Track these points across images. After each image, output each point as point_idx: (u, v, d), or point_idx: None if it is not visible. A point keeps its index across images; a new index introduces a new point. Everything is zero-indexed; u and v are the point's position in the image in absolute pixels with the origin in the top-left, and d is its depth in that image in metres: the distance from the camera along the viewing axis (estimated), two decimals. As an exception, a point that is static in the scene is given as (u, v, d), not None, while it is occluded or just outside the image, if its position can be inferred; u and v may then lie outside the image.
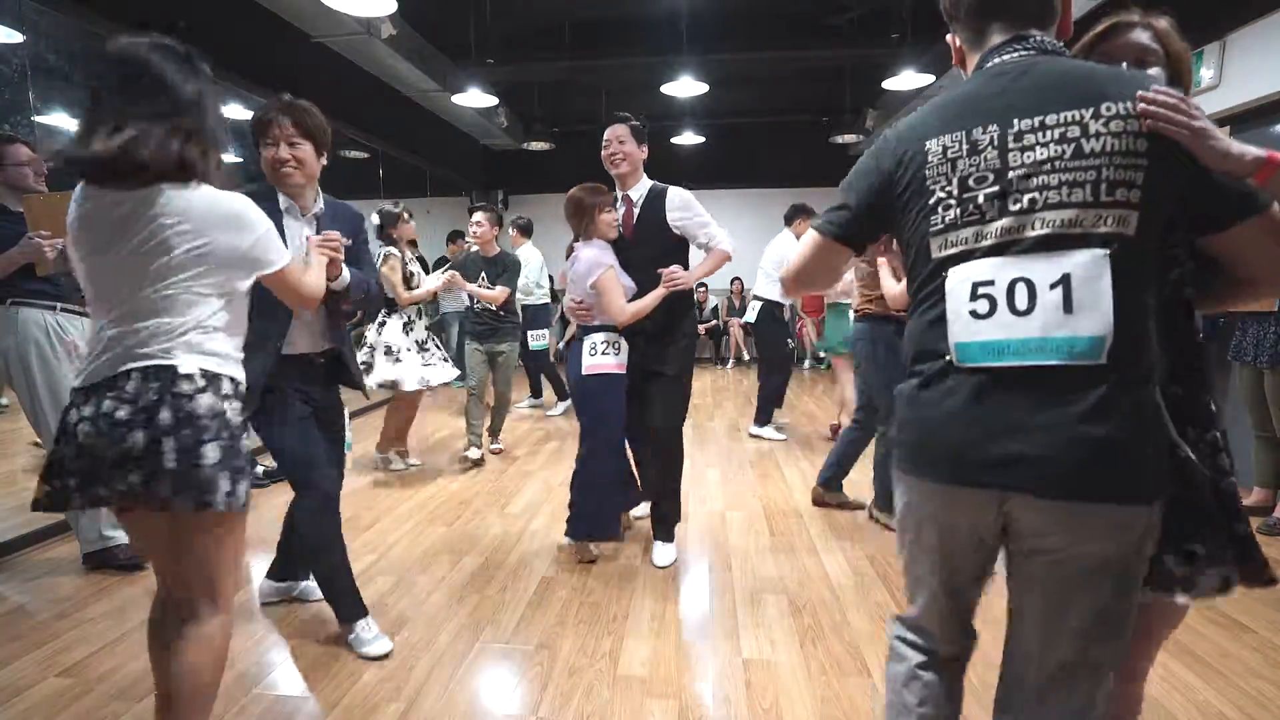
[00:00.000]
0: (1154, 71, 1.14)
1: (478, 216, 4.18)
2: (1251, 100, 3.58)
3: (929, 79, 5.59)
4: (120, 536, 2.72)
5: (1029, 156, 0.95)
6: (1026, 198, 0.95)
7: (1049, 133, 0.94)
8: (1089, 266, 0.91)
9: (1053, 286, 0.92)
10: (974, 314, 0.97)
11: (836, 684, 1.95)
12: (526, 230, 5.71)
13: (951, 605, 1.14)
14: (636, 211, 2.73)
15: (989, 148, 0.98)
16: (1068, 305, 0.91)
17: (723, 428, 5.42)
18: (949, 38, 1.14)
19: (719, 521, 3.27)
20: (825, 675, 2.00)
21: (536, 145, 8.24)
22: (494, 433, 4.57)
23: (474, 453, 4.26)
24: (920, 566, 1.13)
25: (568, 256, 2.76)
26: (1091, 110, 0.92)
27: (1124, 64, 1.14)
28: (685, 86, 5.91)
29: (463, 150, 8.42)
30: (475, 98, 6.00)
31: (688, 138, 8.15)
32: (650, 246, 2.67)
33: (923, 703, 1.15)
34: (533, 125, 8.10)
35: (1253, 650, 2.13)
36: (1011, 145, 0.96)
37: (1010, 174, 0.96)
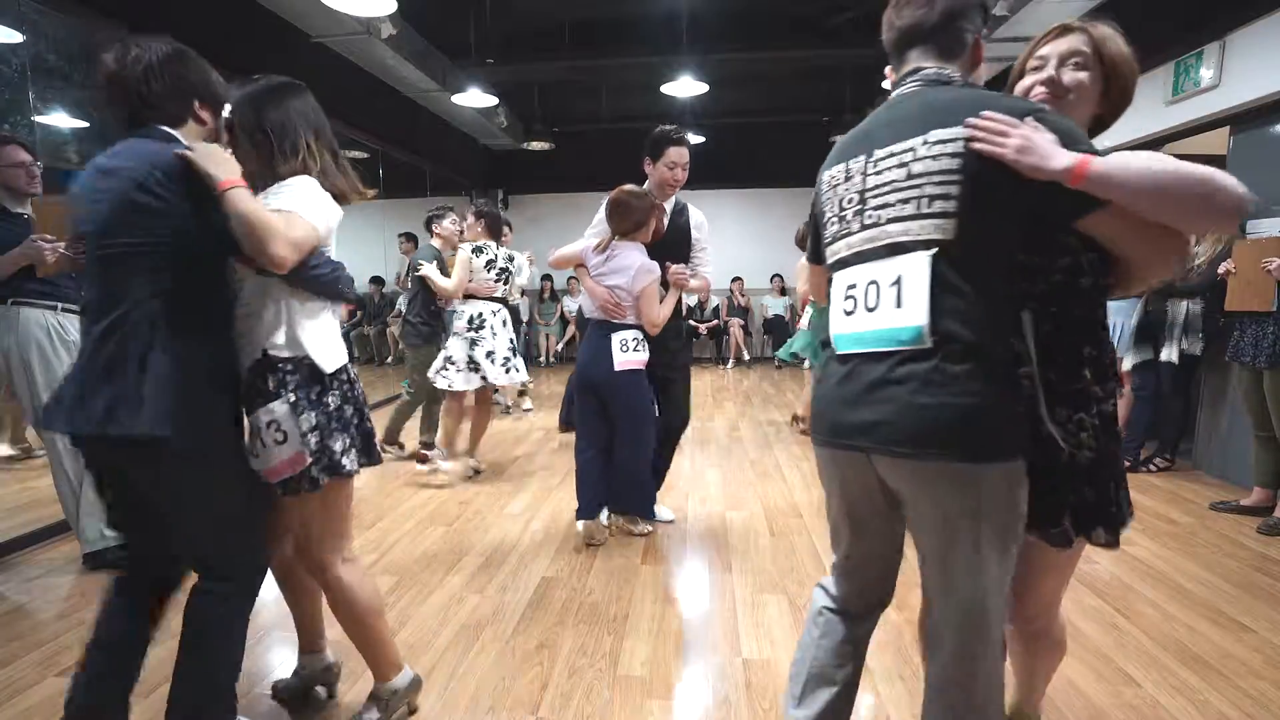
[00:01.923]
0: (1039, 95, 1.23)
1: (464, 217, 4.20)
2: (1251, 100, 3.58)
3: (929, 79, 5.59)
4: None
5: (880, 179, 1.14)
6: (876, 214, 1.13)
7: (893, 159, 1.12)
8: (915, 268, 1.07)
9: (891, 286, 1.10)
10: (845, 312, 1.19)
11: (836, 684, 1.95)
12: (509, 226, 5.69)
13: (860, 557, 1.33)
14: (665, 220, 2.92)
15: (857, 174, 1.18)
16: (899, 301, 1.09)
17: (723, 428, 5.42)
18: (887, 70, 1.30)
19: (719, 521, 3.27)
20: (825, 675, 2.00)
21: (536, 145, 8.24)
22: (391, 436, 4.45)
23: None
24: (833, 516, 1.34)
25: (600, 251, 2.84)
26: (921, 138, 1.09)
27: (1051, 71, 1.23)
28: (685, 86, 5.91)
29: (463, 150, 8.42)
30: (475, 98, 6.00)
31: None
32: (670, 255, 2.87)
33: (824, 635, 1.36)
34: (533, 125, 8.10)
35: (1253, 650, 2.13)
36: (870, 171, 1.16)
37: (867, 195, 1.15)
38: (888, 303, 1.10)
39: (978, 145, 1.02)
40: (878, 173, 1.14)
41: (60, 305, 2.62)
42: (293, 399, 1.45)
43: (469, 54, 5.96)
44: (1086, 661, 2.07)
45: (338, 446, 1.49)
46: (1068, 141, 1.02)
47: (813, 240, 1.39)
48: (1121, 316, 4.40)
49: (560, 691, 1.92)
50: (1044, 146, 1.00)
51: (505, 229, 5.65)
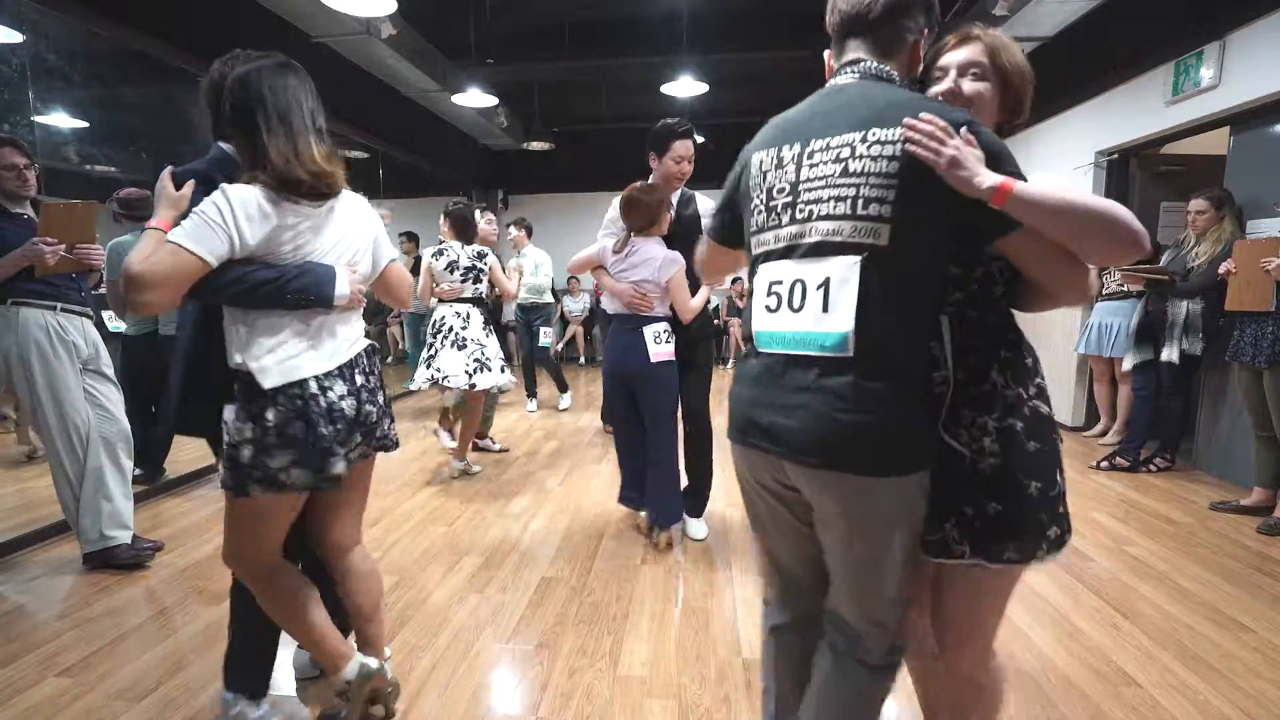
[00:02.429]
0: (962, 103, 1.19)
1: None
2: (1251, 100, 3.58)
3: (929, 79, 5.58)
4: (121, 536, 2.73)
5: (814, 172, 1.10)
6: (806, 209, 1.10)
7: (830, 153, 1.08)
8: (843, 272, 1.04)
9: (818, 288, 1.07)
10: (768, 308, 1.14)
11: (836, 684, 1.95)
12: (530, 231, 5.84)
13: (780, 557, 1.31)
14: (673, 213, 2.93)
15: (790, 163, 1.14)
16: (825, 305, 1.06)
17: (722, 427, 5.40)
18: (826, 54, 1.25)
19: (719, 521, 3.27)
20: (825, 675, 2.00)
21: (536, 145, 8.23)
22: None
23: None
24: (751, 513, 1.34)
25: (618, 250, 2.88)
26: (861, 135, 1.06)
27: (950, 83, 1.20)
28: (685, 86, 5.90)
29: (463, 150, 8.41)
30: (475, 98, 6.00)
31: (688, 137, 8.13)
32: (683, 246, 2.86)
33: (778, 657, 1.36)
34: (533, 125, 8.09)
35: (1253, 650, 2.13)
36: (804, 162, 1.11)
37: (800, 187, 1.11)
38: (813, 305, 1.07)
39: (912, 148, 1.01)
40: (812, 165, 1.10)
41: (60, 306, 2.62)
42: (235, 408, 1.46)
43: (469, 54, 5.95)
44: (1086, 661, 2.07)
45: (274, 463, 1.45)
46: (995, 160, 1.02)
47: (730, 222, 1.32)
48: (1122, 316, 4.41)
49: (560, 691, 1.92)
50: (973, 162, 1.00)
51: (522, 231, 5.71)
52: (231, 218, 1.38)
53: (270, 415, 1.44)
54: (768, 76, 7.63)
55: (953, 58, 1.22)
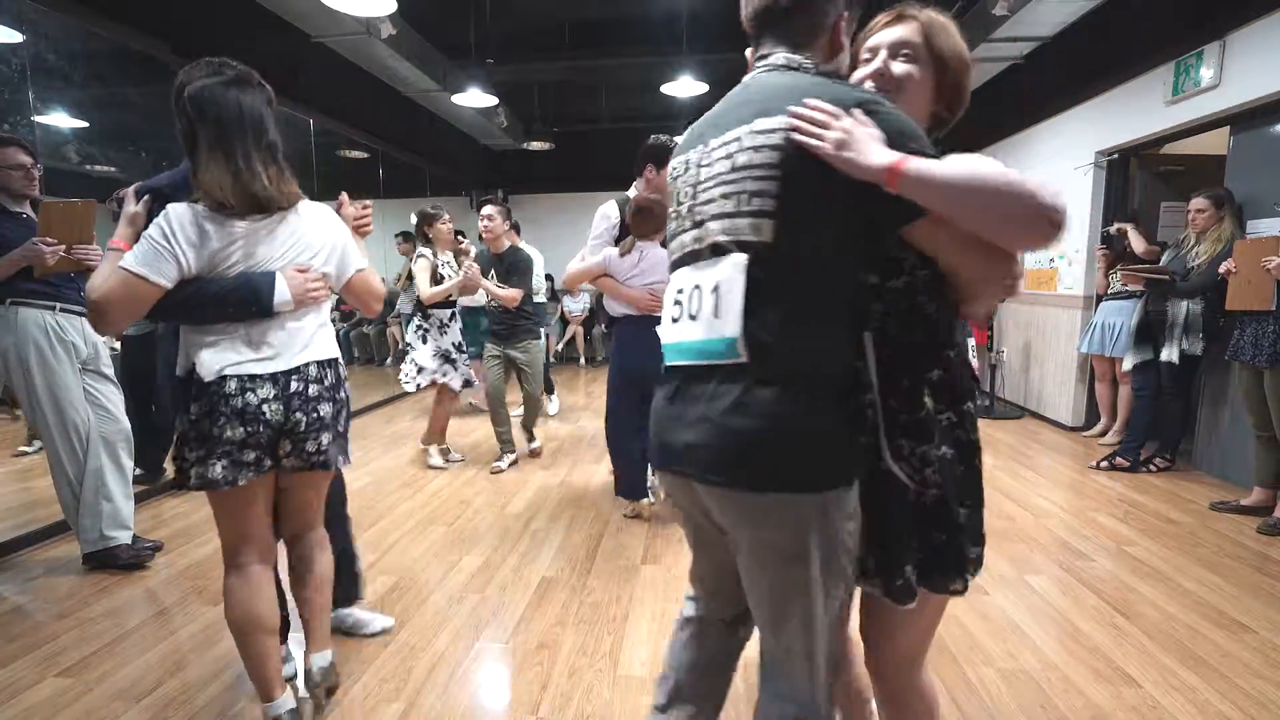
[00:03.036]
0: (868, 84, 1.10)
1: (488, 210, 4.04)
2: (1251, 100, 3.57)
3: (929, 79, 5.58)
4: (121, 536, 2.73)
5: (709, 172, 1.03)
6: (703, 210, 1.03)
7: (723, 149, 1.01)
8: (731, 273, 0.97)
9: (711, 292, 1.00)
10: (672, 319, 1.08)
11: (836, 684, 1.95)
12: (518, 228, 5.73)
13: (706, 568, 1.26)
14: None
15: (694, 166, 1.07)
16: (717, 310, 0.99)
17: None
18: (747, 52, 1.17)
19: (719, 521, 3.27)
20: (825, 675, 2.00)
21: (536, 145, 8.23)
22: (528, 429, 4.44)
23: (506, 461, 4.16)
24: (683, 528, 1.27)
25: (625, 253, 2.94)
26: (746, 127, 0.98)
27: (879, 64, 1.10)
28: (685, 86, 5.90)
29: (463, 150, 8.41)
30: (475, 98, 5.99)
31: (688, 138, 8.12)
32: None
33: (688, 645, 1.31)
34: (533, 125, 8.10)
35: (1253, 650, 2.13)
36: (704, 162, 1.05)
37: (699, 189, 1.05)
38: (707, 311, 1.00)
39: (796, 136, 0.93)
40: (709, 165, 1.03)
41: (59, 306, 2.62)
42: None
43: (469, 54, 5.95)
44: (1086, 661, 2.07)
45: (190, 455, 1.52)
46: (896, 139, 0.91)
47: None
48: (1122, 316, 4.41)
49: (560, 691, 1.92)
50: (863, 142, 0.90)
51: (510, 225, 5.66)
52: (175, 241, 1.44)
53: (193, 410, 1.51)
54: (768, 76, 7.62)
55: (883, 37, 1.12)
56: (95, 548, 2.70)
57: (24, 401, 2.63)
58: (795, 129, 0.93)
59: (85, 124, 3.96)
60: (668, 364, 1.10)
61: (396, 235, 6.94)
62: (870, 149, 0.90)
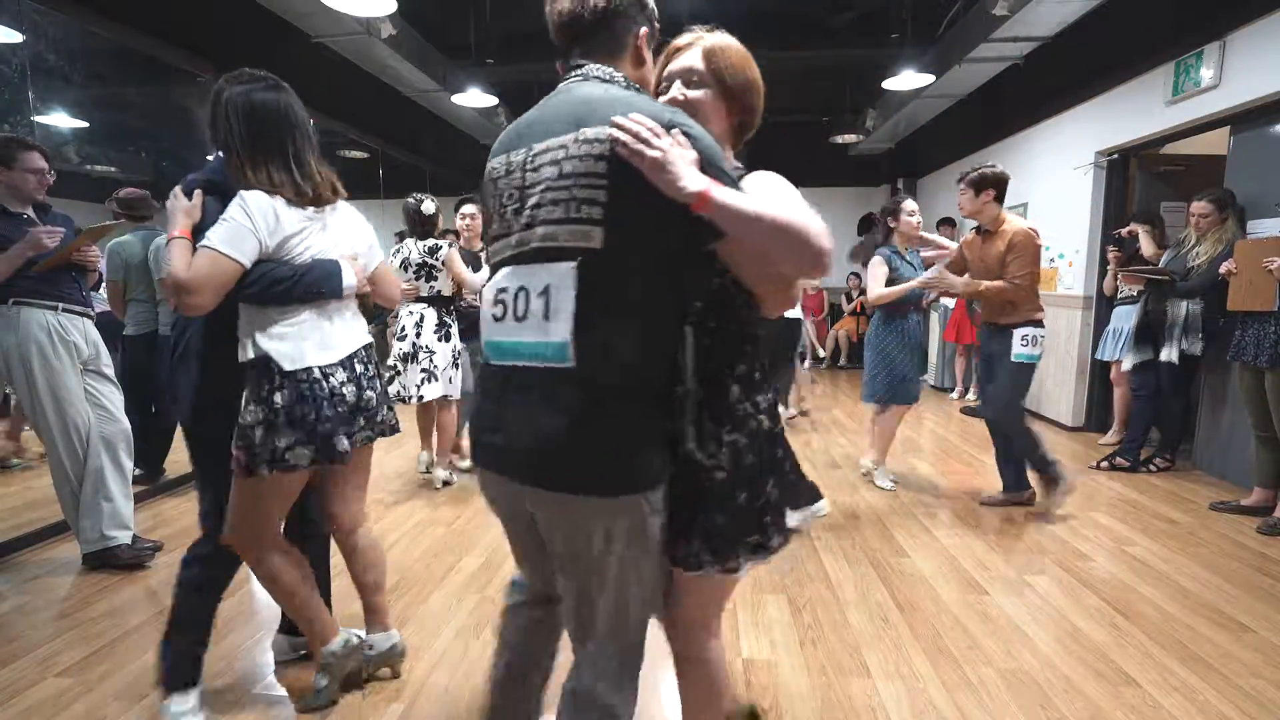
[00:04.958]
0: (672, 104, 1.15)
1: (469, 209, 4.00)
2: (1251, 100, 3.58)
3: (929, 79, 5.58)
4: (121, 536, 2.73)
5: (536, 176, 1.06)
6: (530, 214, 1.05)
7: (549, 155, 1.05)
8: (562, 278, 1.00)
9: (540, 295, 1.02)
10: (494, 318, 1.10)
11: (836, 684, 1.95)
12: None
13: (531, 565, 1.28)
14: None
15: (517, 169, 1.10)
16: (547, 313, 1.01)
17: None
18: (558, 64, 1.21)
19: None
20: (825, 675, 2.00)
21: (536, 145, 8.25)
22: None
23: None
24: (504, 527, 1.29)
25: None
26: (572, 136, 1.02)
27: (674, 93, 1.18)
28: (685, 86, 5.90)
29: (463, 150, 8.42)
30: (475, 98, 6.00)
31: (688, 138, 8.12)
32: None
33: (521, 628, 1.35)
34: (533, 125, 8.11)
35: (1253, 650, 2.13)
36: (528, 166, 1.08)
37: (525, 193, 1.07)
38: (536, 313, 1.02)
39: (620, 149, 0.97)
40: (535, 169, 1.06)
41: (61, 305, 2.62)
42: (246, 394, 1.61)
43: (469, 54, 5.96)
44: (1086, 661, 2.07)
45: (282, 442, 1.59)
46: (706, 164, 0.99)
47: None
48: (1122, 317, 4.41)
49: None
50: (679, 165, 0.96)
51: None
52: (254, 222, 1.55)
53: (279, 399, 1.58)
54: (768, 77, 7.62)
55: (674, 66, 1.21)
56: (95, 548, 2.70)
57: (25, 401, 2.63)
58: (618, 142, 0.97)
59: (85, 124, 3.97)
60: (490, 362, 1.12)
61: (395, 235, 6.94)
62: (685, 173, 0.96)
